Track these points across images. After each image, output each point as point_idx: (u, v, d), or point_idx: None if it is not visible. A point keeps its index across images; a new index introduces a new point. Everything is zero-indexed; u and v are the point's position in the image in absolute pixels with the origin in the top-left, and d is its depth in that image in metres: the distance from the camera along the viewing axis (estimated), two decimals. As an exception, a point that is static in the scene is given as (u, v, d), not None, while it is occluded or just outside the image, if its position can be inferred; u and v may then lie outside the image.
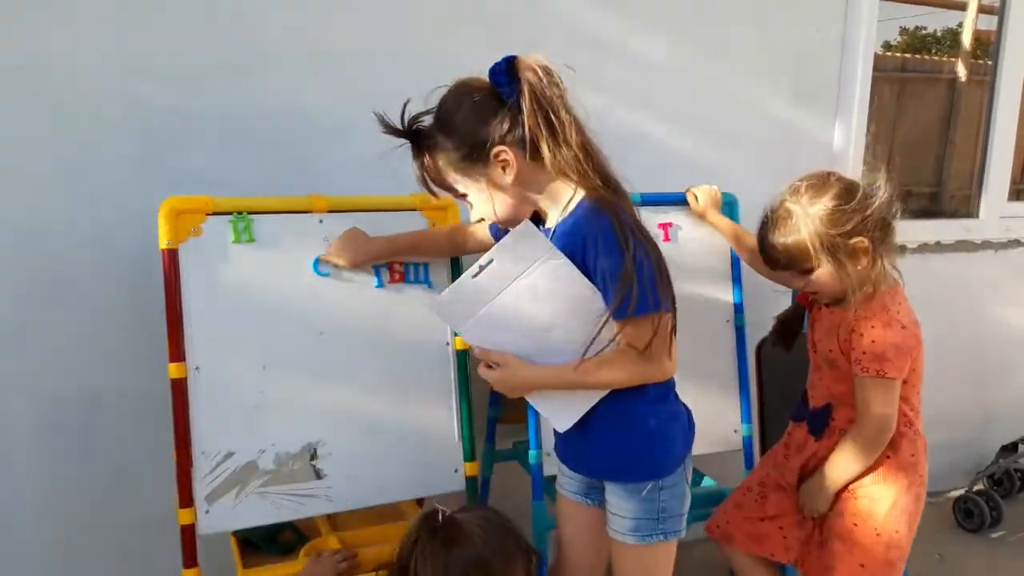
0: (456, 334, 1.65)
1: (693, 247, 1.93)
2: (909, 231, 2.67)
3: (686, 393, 1.42)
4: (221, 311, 1.50)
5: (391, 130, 1.28)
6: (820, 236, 1.46)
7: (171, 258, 1.47)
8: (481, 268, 1.27)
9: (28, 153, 1.64)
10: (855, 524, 1.54)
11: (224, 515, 1.49)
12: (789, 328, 1.72)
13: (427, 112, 1.29)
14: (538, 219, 1.34)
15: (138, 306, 1.71)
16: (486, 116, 1.23)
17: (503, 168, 1.24)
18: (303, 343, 1.56)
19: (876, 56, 2.49)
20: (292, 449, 1.55)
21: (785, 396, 1.75)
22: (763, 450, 2.03)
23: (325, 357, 1.57)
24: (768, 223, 1.54)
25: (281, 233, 1.56)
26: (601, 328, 1.23)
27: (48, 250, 1.68)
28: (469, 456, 1.69)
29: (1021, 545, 2.60)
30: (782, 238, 1.51)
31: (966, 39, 3.27)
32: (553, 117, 1.21)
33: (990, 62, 2.87)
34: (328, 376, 1.58)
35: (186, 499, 1.47)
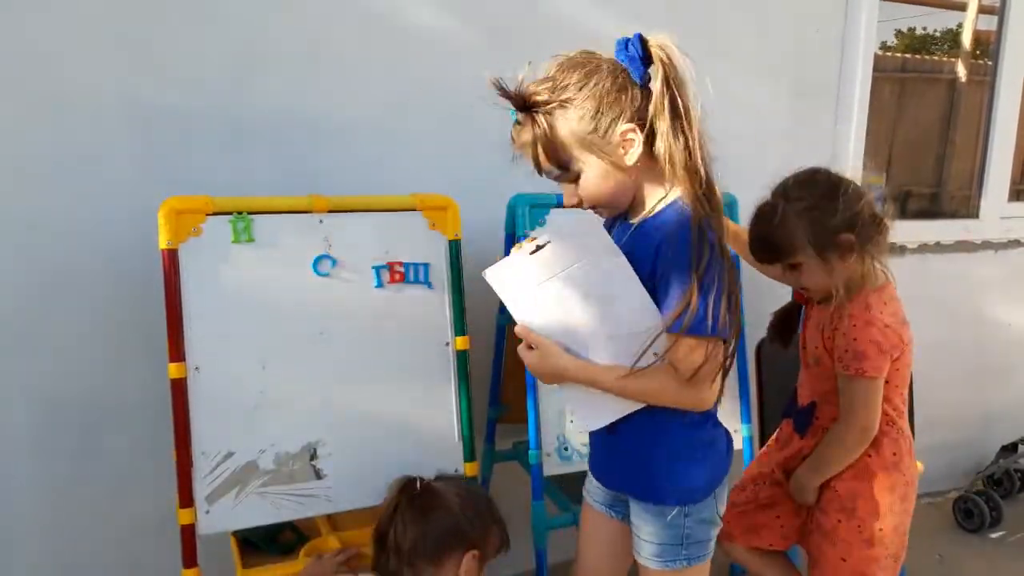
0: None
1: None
2: (909, 231, 2.67)
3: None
4: (221, 311, 1.50)
5: (507, 96, 1.20)
6: (804, 230, 1.46)
7: (171, 258, 1.47)
8: (538, 247, 1.24)
9: (28, 153, 1.64)
10: (839, 521, 1.56)
11: (224, 515, 1.49)
12: (785, 324, 1.72)
13: (546, 81, 1.20)
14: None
15: (138, 306, 1.71)
16: (619, 94, 1.17)
17: (626, 149, 1.18)
18: (303, 343, 1.56)
19: (876, 56, 2.50)
20: (292, 449, 1.55)
21: (784, 396, 1.75)
22: (763, 450, 2.04)
23: (325, 357, 1.57)
24: (756, 217, 1.55)
25: (281, 233, 1.56)
26: (653, 341, 1.18)
27: (48, 250, 1.68)
28: (469, 456, 1.69)
29: (1021, 545, 2.60)
30: (767, 232, 1.51)
31: (966, 39, 3.27)
32: (680, 104, 1.15)
33: (990, 62, 2.87)
34: (328, 376, 1.58)
35: (186, 499, 1.47)
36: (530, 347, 1.28)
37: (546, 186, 1.82)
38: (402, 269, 1.65)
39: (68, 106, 1.65)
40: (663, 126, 1.15)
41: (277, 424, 1.54)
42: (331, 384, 1.58)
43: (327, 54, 1.84)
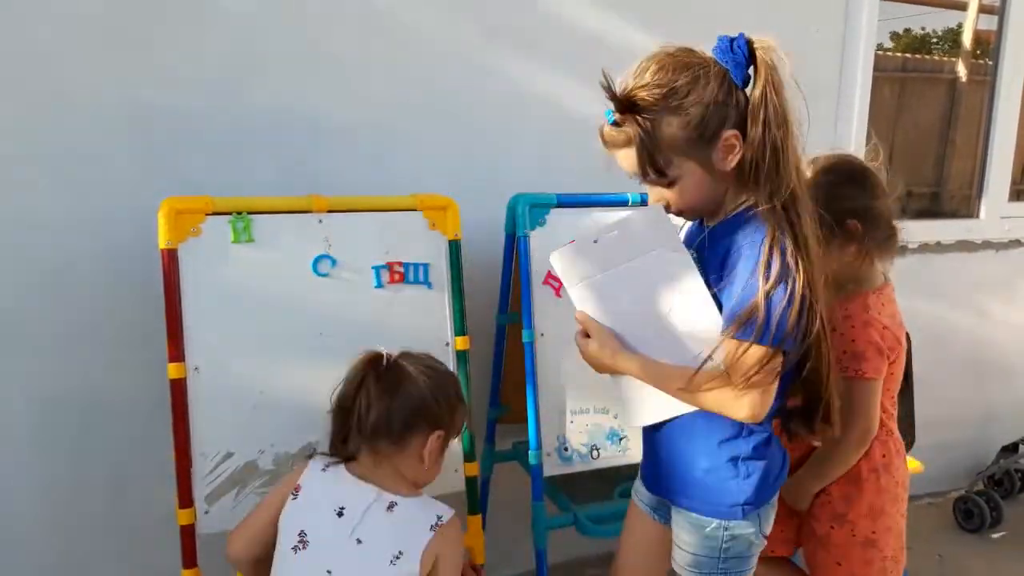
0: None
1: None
2: (909, 231, 2.65)
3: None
4: (221, 311, 1.51)
5: (612, 96, 1.16)
6: (818, 202, 1.43)
7: (171, 258, 1.47)
8: (606, 237, 1.22)
9: (28, 153, 1.64)
10: (831, 527, 1.55)
11: (224, 515, 1.49)
12: None
13: (653, 84, 1.14)
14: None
15: (138, 306, 1.71)
16: (724, 97, 1.13)
17: (727, 154, 1.15)
18: (303, 343, 1.56)
19: (876, 56, 2.49)
20: (291, 449, 1.55)
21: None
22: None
23: (325, 357, 1.57)
24: None
25: (281, 233, 1.56)
26: (714, 347, 1.15)
27: (47, 250, 1.68)
28: (469, 456, 1.69)
29: (1021, 545, 2.60)
30: None
31: (966, 39, 3.26)
32: (779, 111, 1.12)
33: (990, 62, 2.87)
34: (328, 376, 1.57)
35: (186, 499, 1.47)
36: (587, 335, 1.27)
37: (546, 186, 1.83)
38: (402, 269, 1.65)
39: (68, 106, 1.65)
40: (757, 132, 1.12)
41: (276, 424, 1.54)
42: (331, 384, 1.57)
43: (327, 54, 1.84)
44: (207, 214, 1.50)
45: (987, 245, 2.85)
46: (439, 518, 1.33)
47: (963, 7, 3.18)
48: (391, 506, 1.31)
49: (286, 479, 1.38)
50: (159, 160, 1.73)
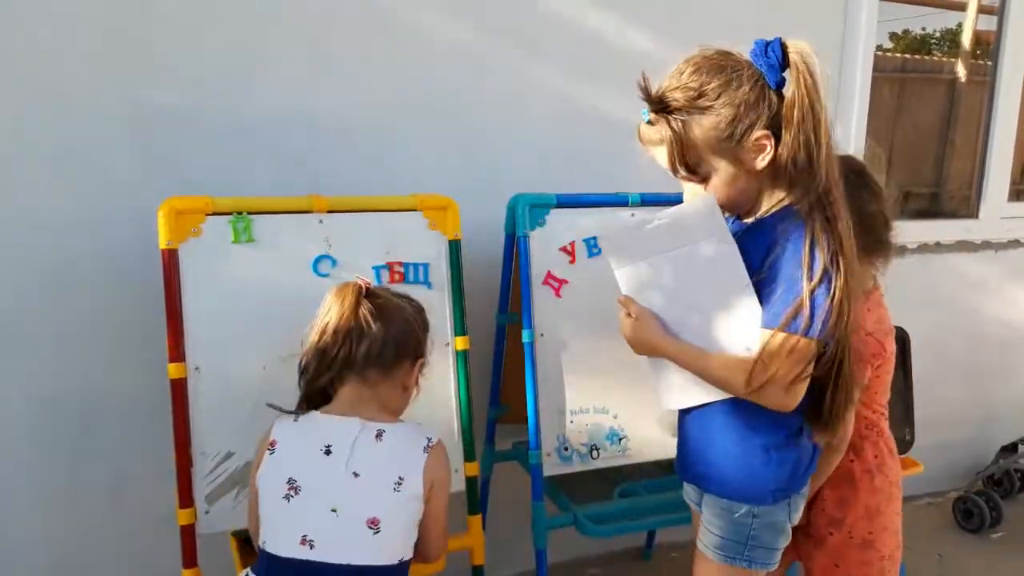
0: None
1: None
2: (909, 231, 2.67)
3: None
4: (221, 311, 1.51)
5: (647, 97, 1.20)
6: None
7: (171, 258, 1.47)
8: (655, 223, 1.27)
9: (28, 153, 1.64)
10: (830, 533, 1.55)
11: (224, 515, 1.50)
12: None
13: (686, 86, 1.18)
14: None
15: (138, 306, 1.71)
16: (756, 99, 1.17)
17: (758, 154, 1.18)
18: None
19: (876, 57, 2.49)
20: (292, 449, 1.55)
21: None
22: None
23: (325, 357, 1.57)
24: None
25: (281, 233, 1.56)
26: (765, 341, 1.18)
27: (48, 250, 1.68)
28: (469, 456, 1.69)
29: (1021, 545, 2.60)
30: None
31: (966, 40, 3.27)
32: (812, 114, 1.15)
33: (990, 62, 2.87)
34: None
35: (186, 499, 1.47)
36: (629, 316, 1.31)
37: (546, 186, 1.83)
38: (402, 269, 1.65)
39: (68, 106, 1.65)
40: (791, 133, 1.15)
41: (277, 424, 1.53)
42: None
43: (327, 54, 1.84)
44: (207, 214, 1.50)
45: (987, 245, 2.86)
46: (429, 440, 1.34)
47: (963, 8, 3.18)
48: (379, 434, 1.30)
49: (258, 446, 1.34)
50: (159, 160, 1.73)
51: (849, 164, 1.51)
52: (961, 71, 3.29)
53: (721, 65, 1.18)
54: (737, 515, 1.29)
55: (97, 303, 1.73)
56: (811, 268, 1.14)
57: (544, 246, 1.76)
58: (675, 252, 1.26)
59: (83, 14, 1.63)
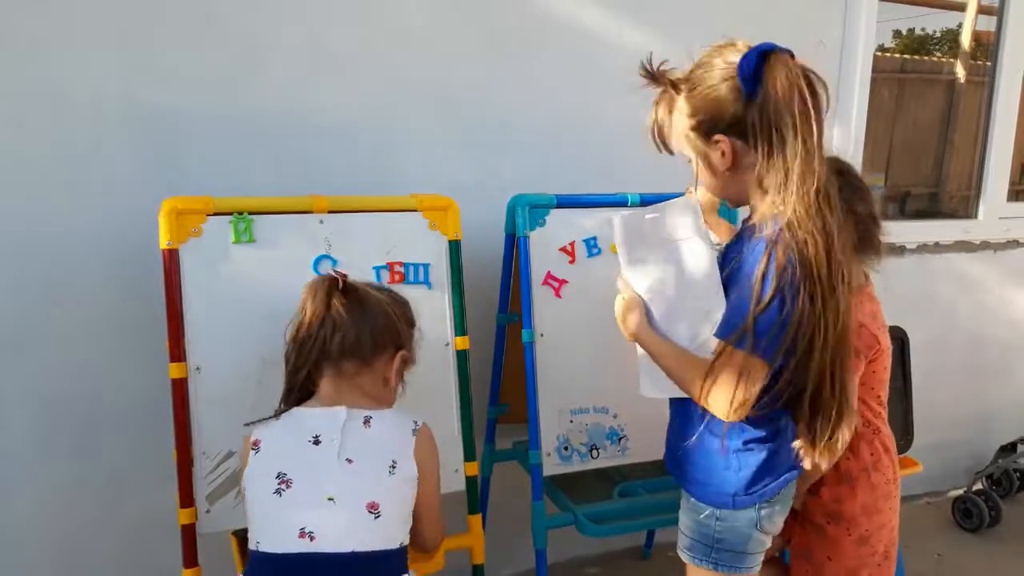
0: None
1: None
2: (909, 231, 2.67)
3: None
4: (221, 311, 1.51)
5: (648, 74, 1.23)
6: None
7: (171, 258, 1.47)
8: (652, 214, 1.34)
9: (28, 153, 1.64)
10: (827, 522, 1.55)
11: (225, 515, 1.50)
12: None
13: (682, 71, 1.23)
14: None
15: (138, 306, 1.71)
16: (724, 101, 1.16)
17: (721, 154, 1.19)
18: (303, 343, 1.56)
19: (875, 57, 2.50)
20: (292, 449, 1.55)
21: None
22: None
23: (325, 357, 1.57)
24: None
25: (281, 233, 1.56)
26: (715, 346, 1.20)
27: (48, 250, 1.68)
28: (469, 456, 1.69)
29: (1020, 545, 2.60)
30: None
31: (965, 40, 3.27)
32: (779, 134, 1.12)
33: (989, 63, 2.87)
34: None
35: (187, 499, 1.47)
36: (623, 298, 1.35)
37: (546, 186, 1.83)
38: (402, 269, 1.65)
39: (68, 106, 1.65)
40: (757, 146, 1.14)
41: (277, 424, 1.53)
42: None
43: (327, 54, 1.84)
44: (208, 214, 1.50)
45: (985, 245, 2.86)
46: (416, 423, 1.35)
47: (962, 8, 3.19)
48: (367, 420, 1.31)
49: (242, 449, 1.34)
50: (159, 160, 1.73)
51: (833, 165, 1.50)
52: (960, 71, 3.30)
53: (718, 61, 1.19)
54: (702, 516, 1.31)
55: (97, 303, 1.73)
56: (761, 292, 1.12)
57: (544, 246, 1.76)
58: (667, 246, 1.31)
59: (83, 14, 1.63)
